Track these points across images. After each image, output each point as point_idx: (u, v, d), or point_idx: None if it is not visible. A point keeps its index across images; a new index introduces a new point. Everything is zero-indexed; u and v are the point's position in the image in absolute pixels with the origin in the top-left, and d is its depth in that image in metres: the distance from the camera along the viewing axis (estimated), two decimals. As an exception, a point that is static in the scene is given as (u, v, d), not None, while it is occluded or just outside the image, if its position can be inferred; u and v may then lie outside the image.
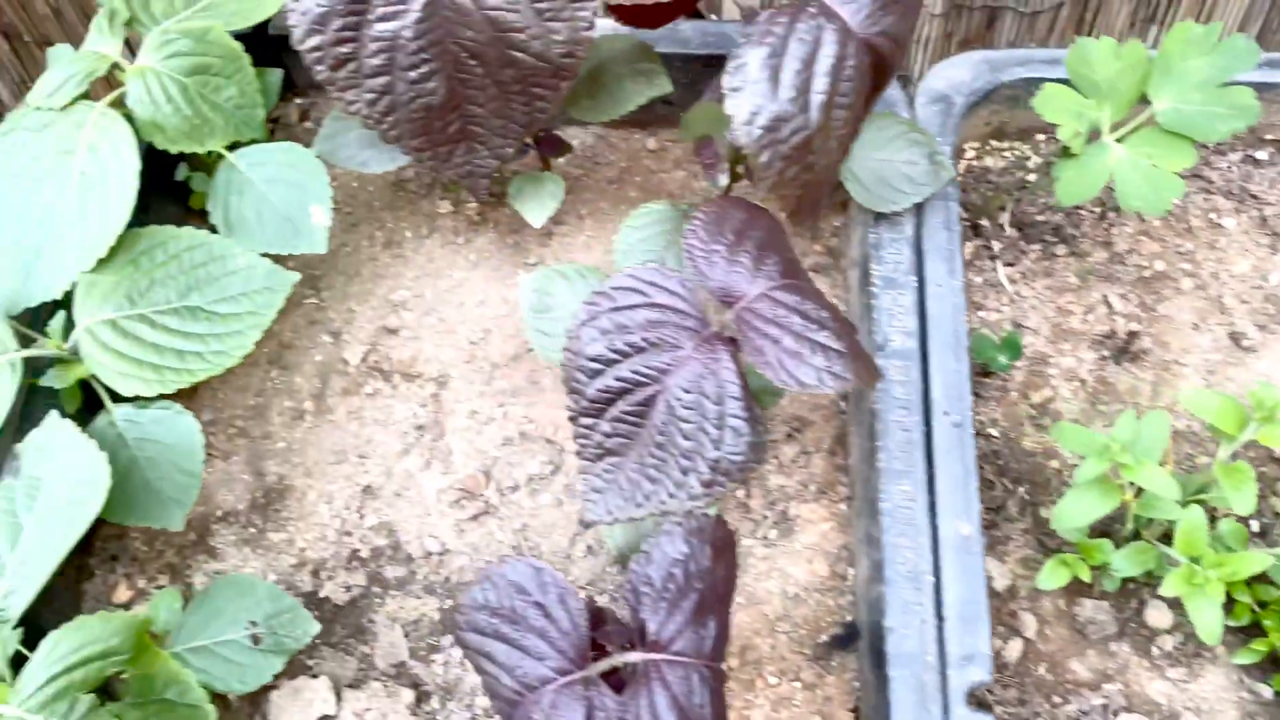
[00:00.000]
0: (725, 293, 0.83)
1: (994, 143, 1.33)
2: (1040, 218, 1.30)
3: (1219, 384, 1.21)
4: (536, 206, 1.14)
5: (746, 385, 0.81)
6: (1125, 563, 1.03)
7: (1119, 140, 1.07)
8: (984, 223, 1.29)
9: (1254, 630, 1.06)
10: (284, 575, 1.12)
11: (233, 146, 1.09)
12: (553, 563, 1.13)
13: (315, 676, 1.07)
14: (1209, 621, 0.96)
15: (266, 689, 1.05)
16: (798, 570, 1.11)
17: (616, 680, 0.77)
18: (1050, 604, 1.10)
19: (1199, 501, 1.04)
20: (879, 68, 0.90)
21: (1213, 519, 1.08)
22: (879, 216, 1.13)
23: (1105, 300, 1.26)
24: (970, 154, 1.33)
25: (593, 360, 0.83)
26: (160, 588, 1.10)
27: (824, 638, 1.07)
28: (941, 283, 1.11)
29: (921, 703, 0.94)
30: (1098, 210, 1.31)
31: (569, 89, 0.96)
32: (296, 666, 1.07)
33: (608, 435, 0.85)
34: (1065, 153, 1.07)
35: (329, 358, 1.23)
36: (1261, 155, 1.34)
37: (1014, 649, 1.07)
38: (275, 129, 1.34)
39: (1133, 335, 1.21)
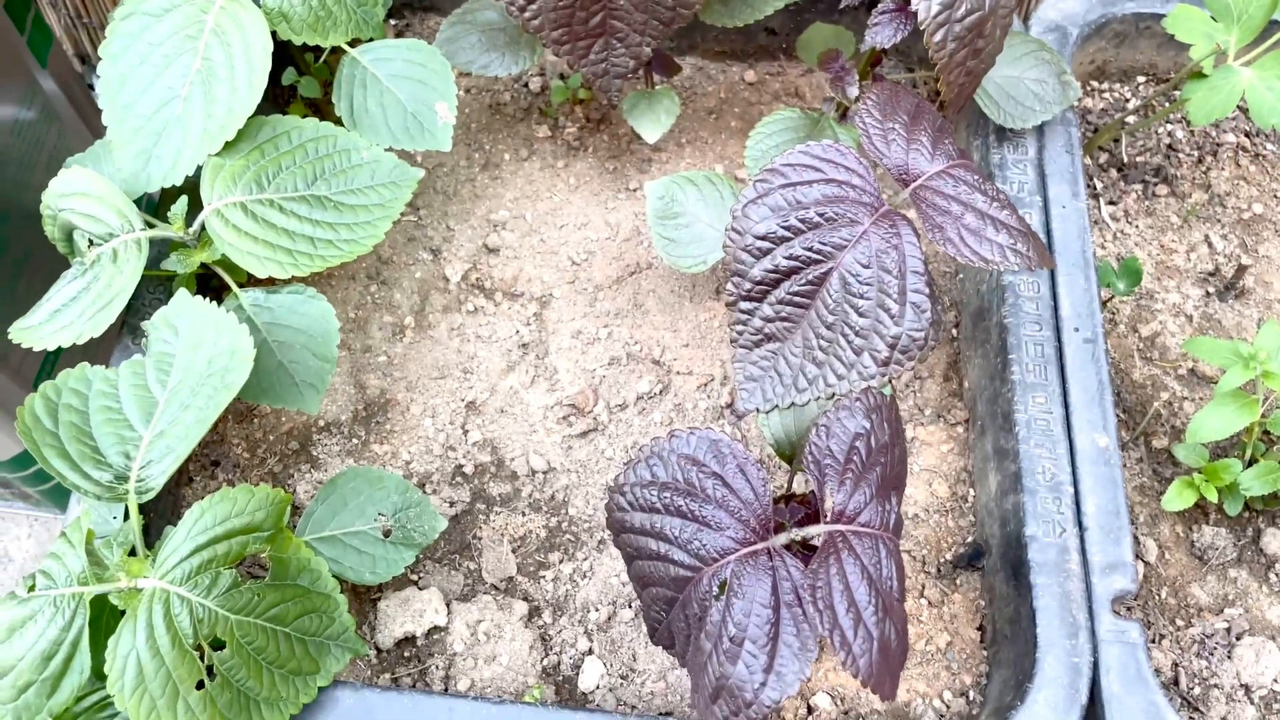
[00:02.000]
0: (903, 170, 0.82)
1: (1094, 83, 1.33)
2: (1140, 158, 1.30)
3: (1323, 323, 1.21)
4: (651, 122, 1.13)
5: (926, 263, 0.79)
6: (1255, 481, 1.02)
7: (1246, 65, 1.07)
8: (1087, 161, 1.29)
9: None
10: (388, 488, 1.09)
11: (351, 44, 1.07)
12: (664, 481, 1.10)
13: (423, 589, 1.04)
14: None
15: (375, 598, 1.01)
16: (918, 492, 1.09)
17: (796, 555, 0.75)
18: (1169, 530, 1.09)
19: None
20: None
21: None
22: (1001, 137, 1.12)
23: (1207, 239, 1.26)
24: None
25: (761, 239, 0.81)
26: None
27: (948, 557, 1.06)
28: (1066, 204, 1.10)
29: (1067, 610, 0.92)
30: (1195, 154, 1.31)
31: (717, -17, 0.94)
32: (401, 579, 1.04)
33: (769, 319, 0.83)
34: (1196, 75, 1.06)
35: (429, 275, 1.20)
36: (1356, 104, 1.35)
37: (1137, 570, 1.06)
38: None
39: (1241, 270, 1.21)
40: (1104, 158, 1.29)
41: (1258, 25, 1.06)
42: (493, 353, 1.16)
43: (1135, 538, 1.07)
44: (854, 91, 1.06)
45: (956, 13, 0.81)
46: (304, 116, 1.16)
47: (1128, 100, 1.33)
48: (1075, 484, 0.97)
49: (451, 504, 1.09)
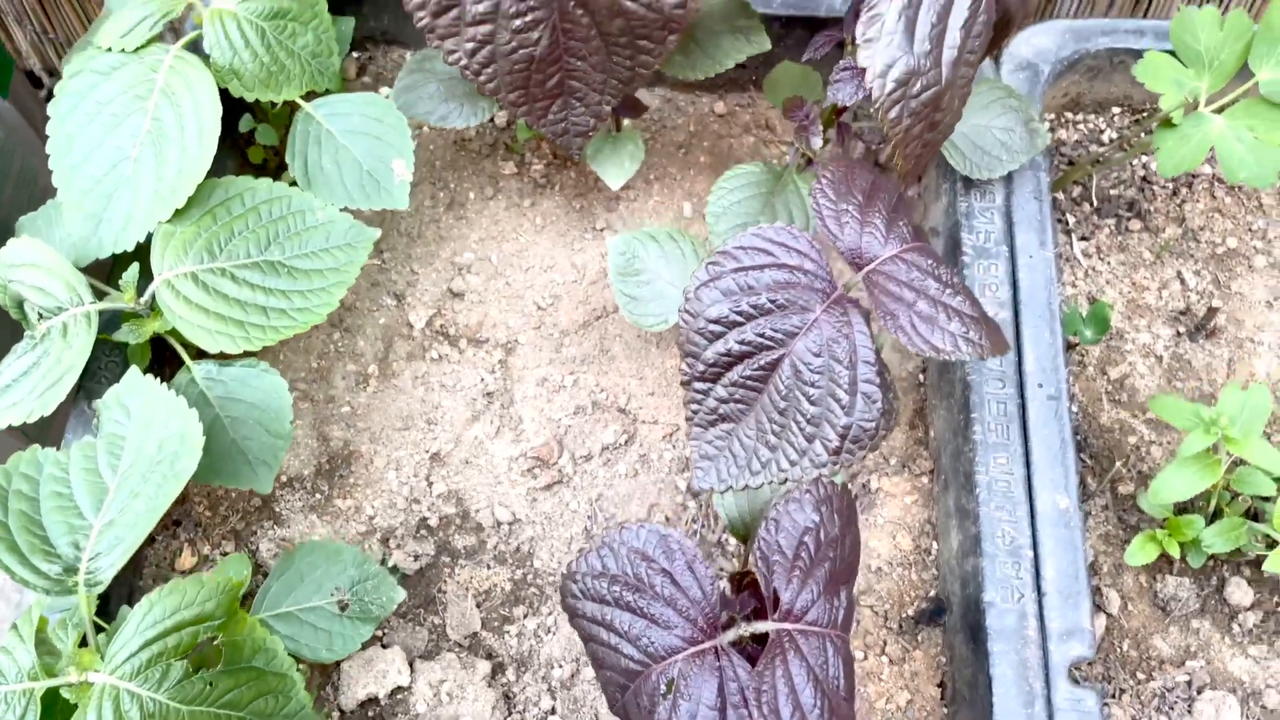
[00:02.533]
0: (856, 253, 0.80)
1: (1069, 115, 1.31)
2: (1114, 191, 1.28)
3: (1294, 363, 1.20)
4: (615, 168, 1.11)
5: (878, 352, 0.78)
6: (1218, 539, 1.02)
7: (1217, 111, 1.05)
8: (1059, 196, 1.27)
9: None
10: (352, 543, 1.08)
11: (306, 97, 1.05)
12: (628, 533, 1.10)
13: (386, 647, 1.04)
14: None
15: (337, 660, 1.02)
16: (881, 544, 1.09)
17: (745, 650, 0.75)
18: (1133, 580, 1.09)
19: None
20: (1003, 22, 0.88)
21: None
22: (968, 185, 1.11)
23: (1179, 276, 1.25)
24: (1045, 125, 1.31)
25: (714, 323, 0.80)
26: (225, 554, 1.06)
27: (910, 612, 1.06)
28: (1033, 253, 1.09)
29: (1023, 678, 0.92)
30: (1170, 186, 1.30)
31: (675, 43, 0.92)
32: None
33: (723, 400, 0.82)
34: (1165, 123, 1.05)
35: (393, 321, 1.19)
36: (1334, 134, 1.33)
37: (1098, 625, 1.06)
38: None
39: (1211, 312, 1.20)
40: (1077, 191, 1.28)
41: (1229, 72, 1.05)
42: (457, 402, 1.15)
43: (1099, 590, 1.07)
44: (818, 142, 1.04)
45: (912, 89, 0.80)
46: (263, 160, 1.15)
47: (1102, 131, 1.31)
48: (1035, 547, 0.97)
49: (416, 558, 1.09)
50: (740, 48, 1.04)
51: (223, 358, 0.93)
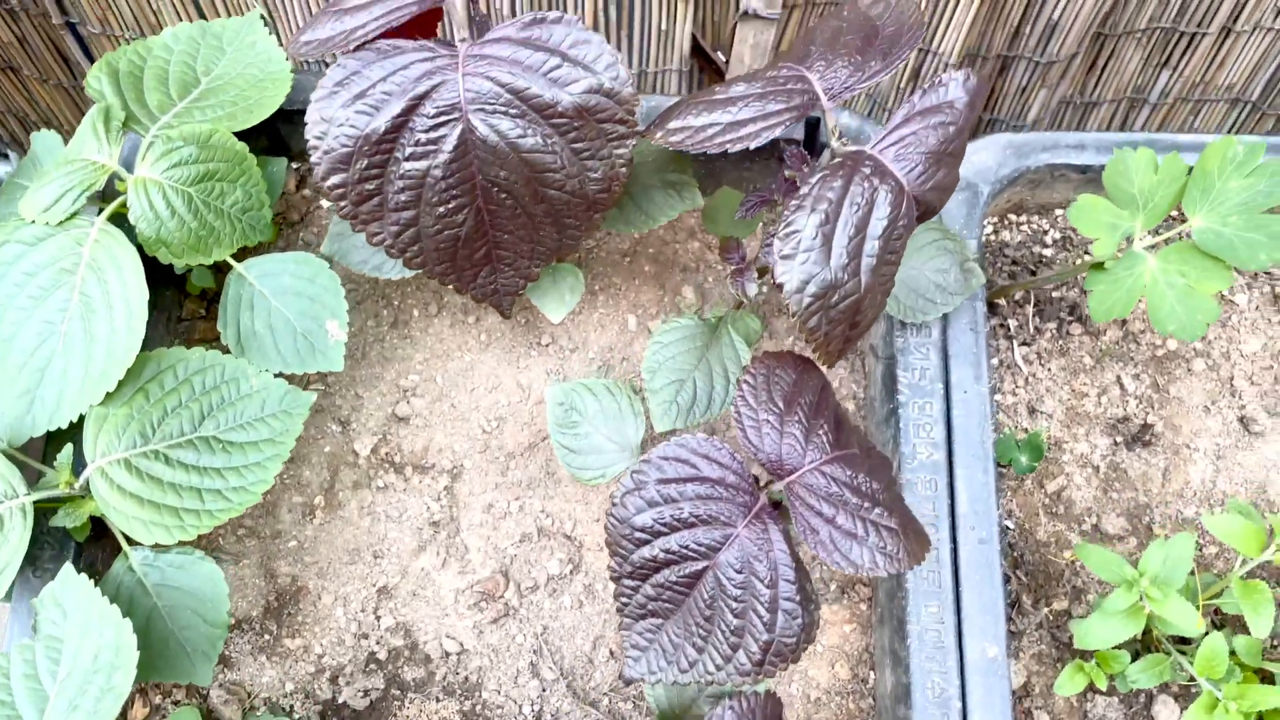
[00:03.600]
0: (776, 465, 0.82)
1: (1011, 217, 1.31)
2: (1056, 294, 1.29)
3: (1228, 469, 1.22)
4: (555, 302, 1.11)
5: (800, 564, 0.80)
6: (1143, 674, 1.05)
7: (1151, 249, 1.06)
8: (1000, 301, 1.28)
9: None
10: (302, 683, 1.11)
11: (240, 251, 1.04)
12: (575, 667, 1.13)
13: (339, 787, 1.07)
14: (1231, 750, 0.99)
15: (291, 805, 1.04)
16: (820, 673, 1.12)
17: None
18: (1063, 702, 1.12)
19: (1214, 602, 1.07)
20: (925, 215, 0.88)
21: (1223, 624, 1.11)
22: (904, 322, 1.11)
23: (1119, 381, 1.26)
24: (987, 228, 1.32)
25: (640, 530, 0.82)
26: (177, 704, 1.08)
27: (847, 745, 1.09)
28: (968, 389, 1.10)
29: (951, 832, 0.96)
30: (1112, 286, 1.30)
31: (601, 220, 0.92)
32: (319, 777, 1.07)
33: (651, 599, 0.84)
34: (1097, 266, 1.05)
35: (338, 448, 1.19)
36: (1275, 230, 1.34)
37: (1030, 750, 1.10)
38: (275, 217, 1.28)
39: (1147, 426, 1.22)
40: (1020, 294, 1.29)
41: (1164, 211, 1.05)
42: (404, 532, 1.17)
43: (1029, 712, 1.10)
44: (753, 290, 1.04)
45: (830, 300, 0.80)
46: (202, 290, 1.14)
47: (1045, 231, 1.32)
48: (964, 698, 1.00)
49: (365, 693, 1.11)
50: (674, 204, 1.03)
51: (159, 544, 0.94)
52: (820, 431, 0.82)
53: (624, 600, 0.85)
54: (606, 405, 1.03)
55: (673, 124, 0.86)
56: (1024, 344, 1.27)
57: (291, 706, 1.10)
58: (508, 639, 1.13)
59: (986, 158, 1.19)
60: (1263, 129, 1.46)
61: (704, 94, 0.89)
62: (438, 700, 1.12)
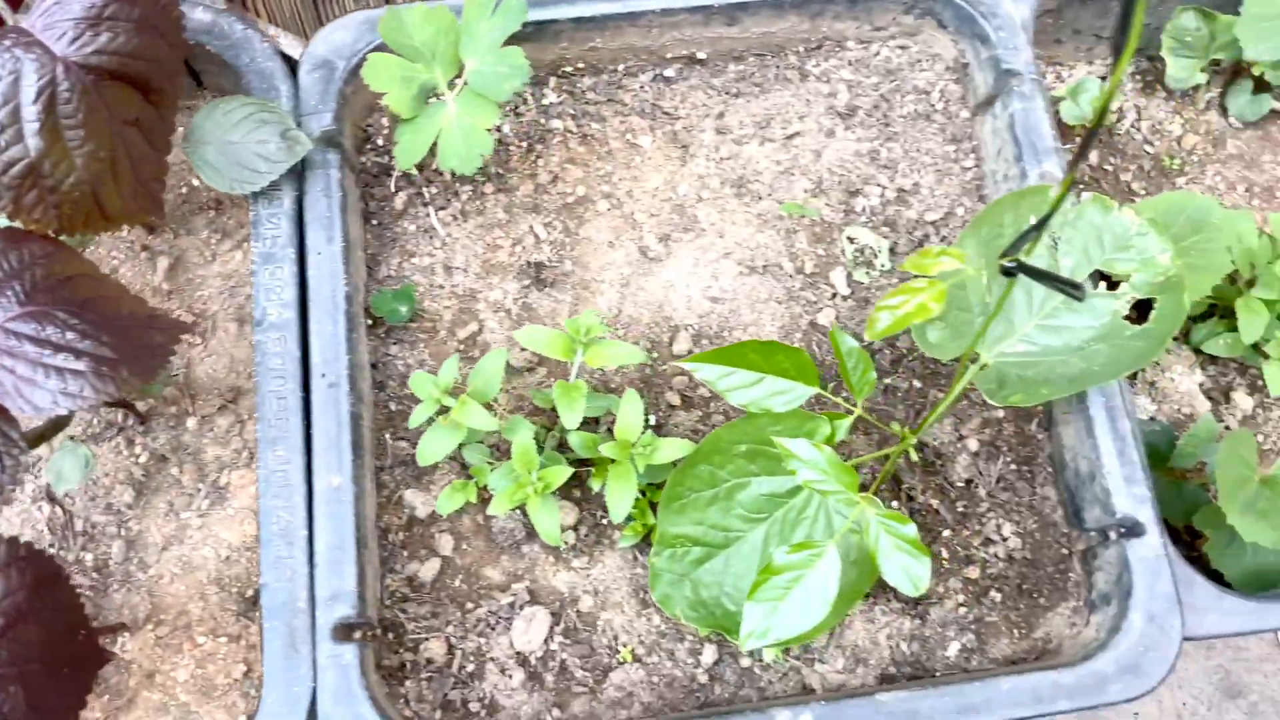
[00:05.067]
0: (-37, 329, 0.88)
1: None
2: (469, 158, 1.38)
3: (632, 295, 1.33)
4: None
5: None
6: (501, 480, 1.15)
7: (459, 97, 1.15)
8: (414, 172, 1.36)
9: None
10: None
11: None
12: None
13: None
14: (548, 525, 1.10)
15: None
16: (230, 534, 1.20)
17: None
18: (470, 520, 1.23)
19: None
20: (136, 82, 0.95)
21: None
22: (257, 194, 1.18)
23: (532, 230, 1.36)
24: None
25: None
26: None
27: (251, 592, 1.18)
28: (321, 250, 1.18)
29: (291, 645, 1.05)
30: (525, 144, 1.40)
31: None
32: None
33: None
34: (403, 120, 1.14)
35: None
36: (669, 73, 1.44)
37: (431, 569, 1.20)
38: None
39: (548, 262, 1.32)
40: (434, 163, 1.37)
41: (455, 61, 1.14)
42: None
43: (434, 535, 1.20)
44: None
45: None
46: None
47: (454, 102, 1.40)
48: (310, 526, 1.09)
49: None
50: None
51: None
52: (11, 289, 0.89)
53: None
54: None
55: None
56: (441, 208, 1.36)
57: None
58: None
59: (343, 35, 1.26)
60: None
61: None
62: None
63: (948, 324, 1.12)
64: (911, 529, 0.96)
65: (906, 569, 0.96)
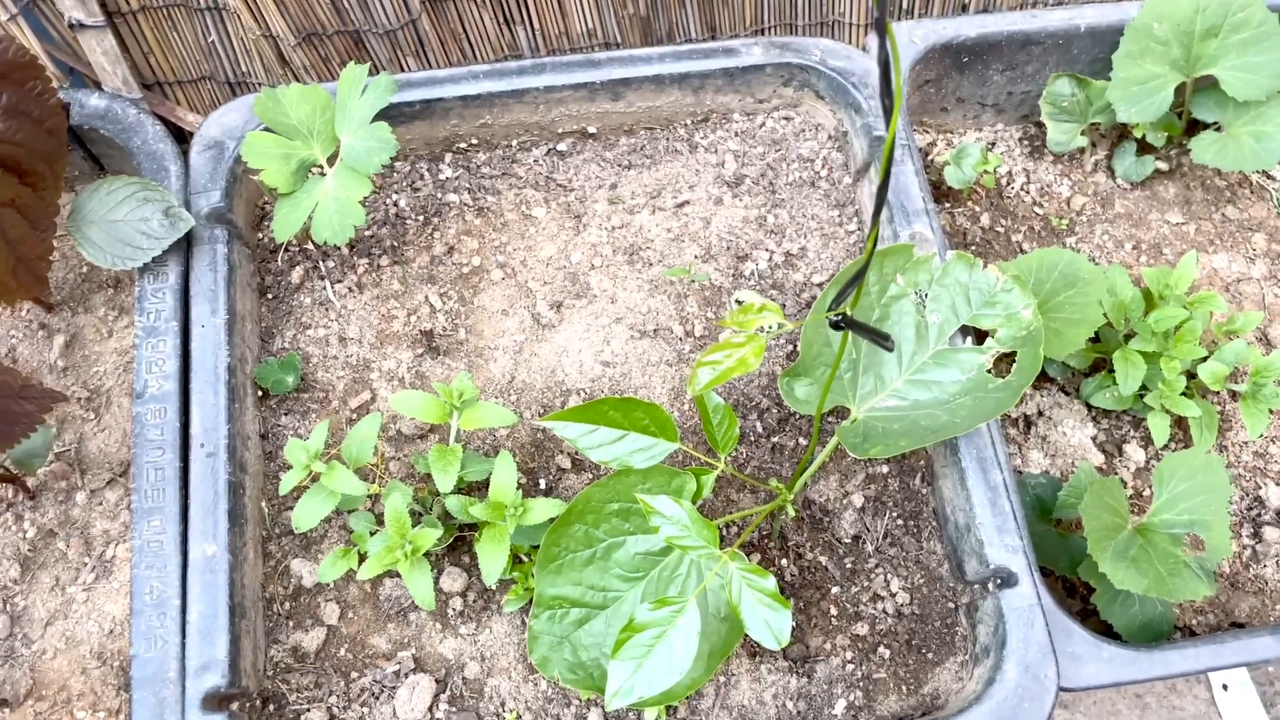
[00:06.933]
0: None
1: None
2: (368, 233, 1.42)
3: (525, 361, 1.36)
4: None
5: None
6: (375, 545, 1.16)
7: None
8: (310, 246, 1.39)
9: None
10: None
11: None
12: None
13: None
14: (421, 589, 1.10)
15: None
16: (115, 607, 1.20)
17: None
18: (357, 589, 1.23)
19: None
20: (9, 166, 0.98)
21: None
22: (142, 270, 1.21)
23: (427, 300, 1.39)
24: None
25: None
26: None
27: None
28: (205, 323, 1.21)
29: (159, 717, 1.05)
30: (421, 218, 1.44)
31: None
32: None
33: None
34: (286, 195, 1.17)
35: None
36: (563, 147, 1.49)
37: (315, 638, 1.19)
38: None
39: (443, 331, 1.34)
40: (332, 239, 1.40)
41: (332, 137, 1.18)
42: None
43: (318, 604, 1.20)
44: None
45: None
46: None
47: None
48: (184, 596, 1.09)
49: None
50: None
51: None
52: None
53: None
54: None
55: None
56: (337, 281, 1.39)
57: None
58: None
59: (234, 118, 1.30)
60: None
61: None
62: None
63: (814, 380, 1.14)
64: (771, 582, 0.97)
65: (769, 622, 0.96)
